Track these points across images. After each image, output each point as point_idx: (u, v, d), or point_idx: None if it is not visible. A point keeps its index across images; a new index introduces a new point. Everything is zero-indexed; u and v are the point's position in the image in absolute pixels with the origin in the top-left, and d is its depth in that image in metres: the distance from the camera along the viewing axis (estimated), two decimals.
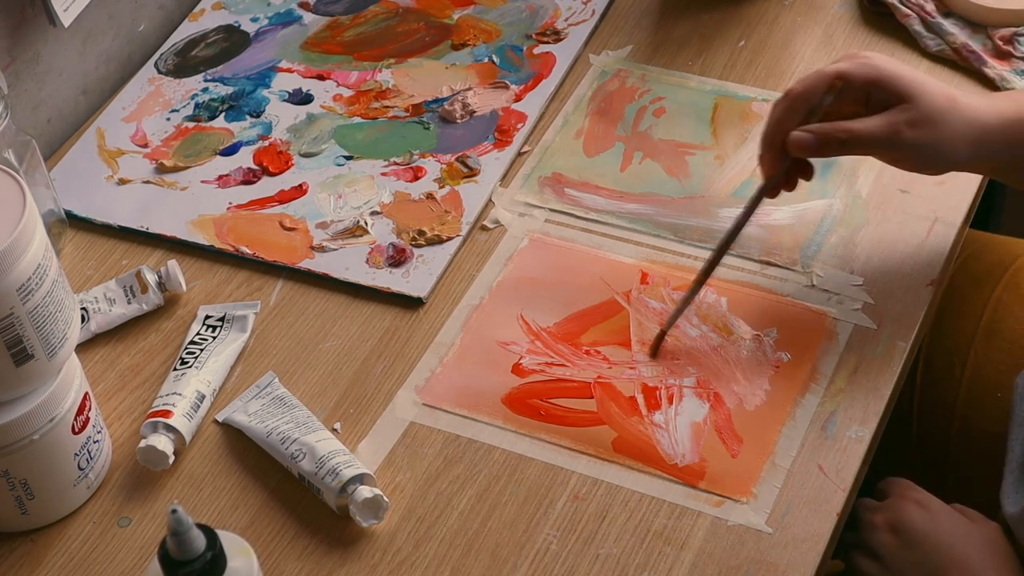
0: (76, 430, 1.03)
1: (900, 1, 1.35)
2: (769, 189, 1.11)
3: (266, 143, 1.30)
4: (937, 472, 1.28)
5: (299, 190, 1.26)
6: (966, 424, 1.26)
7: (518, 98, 1.32)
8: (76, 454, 1.03)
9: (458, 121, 1.31)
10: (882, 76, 1.08)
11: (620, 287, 1.16)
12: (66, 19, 1.28)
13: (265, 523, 1.04)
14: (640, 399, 1.09)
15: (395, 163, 1.27)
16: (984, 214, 1.81)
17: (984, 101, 1.11)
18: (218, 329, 1.14)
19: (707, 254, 1.18)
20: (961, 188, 1.22)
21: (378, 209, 1.24)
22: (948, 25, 1.32)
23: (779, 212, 1.21)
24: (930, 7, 1.34)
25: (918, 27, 1.33)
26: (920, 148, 1.08)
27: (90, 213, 1.25)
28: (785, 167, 1.10)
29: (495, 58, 1.35)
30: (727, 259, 1.17)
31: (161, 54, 1.40)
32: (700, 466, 1.04)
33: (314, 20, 1.42)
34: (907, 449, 1.29)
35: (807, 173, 1.12)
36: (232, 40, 1.41)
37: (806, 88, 1.09)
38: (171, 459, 1.06)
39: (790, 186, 1.12)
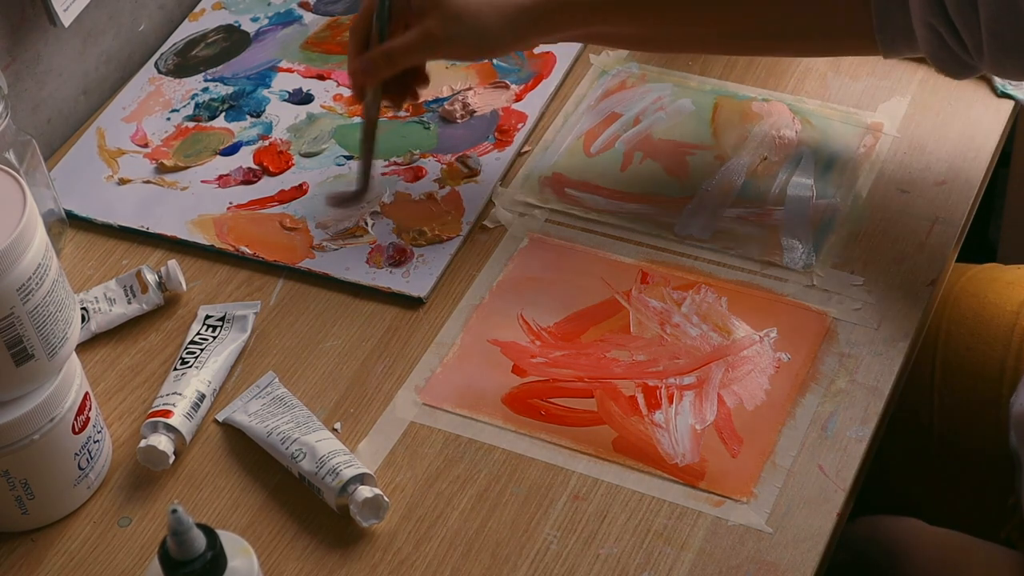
0: (76, 430, 1.03)
1: None
2: (376, 113, 1.22)
3: (266, 143, 1.30)
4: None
5: (299, 190, 1.26)
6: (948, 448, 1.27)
7: (518, 98, 1.32)
8: (76, 454, 1.03)
9: (458, 121, 1.31)
10: None
11: (620, 287, 1.16)
12: (66, 19, 1.28)
13: (265, 523, 1.04)
14: (640, 399, 1.09)
15: (395, 163, 1.27)
16: (984, 215, 1.81)
17: None
18: (218, 329, 1.14)
19: (707, 254, 1.18)
20: (961, 188, 1.22)
21: (378, 209, 1.24)
22: None
23: (779, 212, 1.21)
24: None
25: None
26: (459, 41, 1.17)
27: (90, 213, 1.25)
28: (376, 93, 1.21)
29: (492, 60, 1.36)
30: (727, 259, 1.18)
31: (161, 54, 1.40)
32: (700, 466, 1.04)
33: (314, 20, 1.42)
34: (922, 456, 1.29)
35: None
36: (232, 40, 1.41)
37: (359, 17, 1.19)
38: (171, 459, 1.06)
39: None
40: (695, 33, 1.18)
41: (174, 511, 0.82)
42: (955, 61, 1.09)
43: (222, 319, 1.15)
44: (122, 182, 1.28)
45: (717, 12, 1.15)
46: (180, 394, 1.09)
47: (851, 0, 1.10)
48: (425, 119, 1.31)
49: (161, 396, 1.09)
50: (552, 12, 1.16)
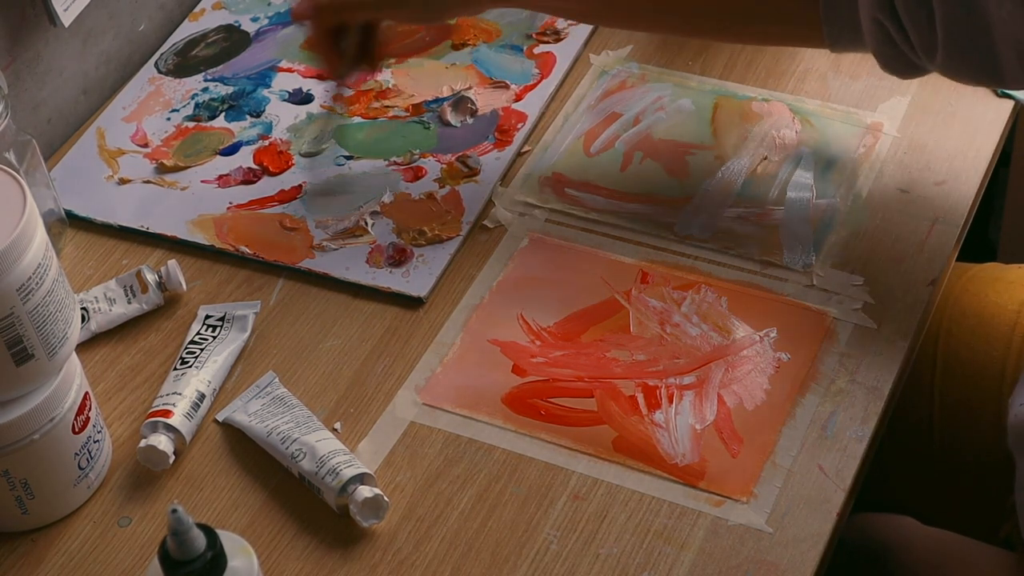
0: (76, 430, 1.03)
1: None
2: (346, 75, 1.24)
3: (266, 143, 1.30)
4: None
5: (299, 190, 1.26)
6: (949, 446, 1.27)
7: (518, 98, 1.32)
8: (76, 454, 1.03)
9: (458, 120, 1.31)
10: None
11: (620, 287, 1.16)
12: (66, 19, 1.28)
13: (265, 523, 1.04)
14: (640, 398, 1.09)
15: (395, 163, 1.28)
16: (984, 214, 1.81)
17: None
18: (218, 329, 1.14)
19: (707, 254, 1.18)
20: (961, 188, 1.22)
21: (378, 209, 1.24)
22: None
23: (779, 212, 1.21)
24: None
25: None
26: (406, 9, 1.20)
27: (90, 213, 1.25)
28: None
29: (479, 67, 1.35)
30: (727, 259, 1.18)
31: (161, 54, 1.40)
32: (700, 466, 1.04)
33: None
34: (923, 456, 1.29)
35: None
36: (232, 40, 1.41)
37: None
38: (171, 459, 1.06)
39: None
40: (643, 8, 1.18)
41: (174, 511, 0.82)
42: (901, 59, 1.08)
43: (222, 319, 1.15)
44: (122, 182, 1.28)
45: None
46: (180, 394, 1.09)
47: None
48: (425, 119, 1.31)
49: (161, 396, 1.09)
50: None
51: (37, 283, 0.96)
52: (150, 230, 1.24)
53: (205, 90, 1.36)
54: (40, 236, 0.96)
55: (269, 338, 1.16)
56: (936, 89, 1.29)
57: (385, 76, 1.35)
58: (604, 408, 1.08)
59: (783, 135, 1.27)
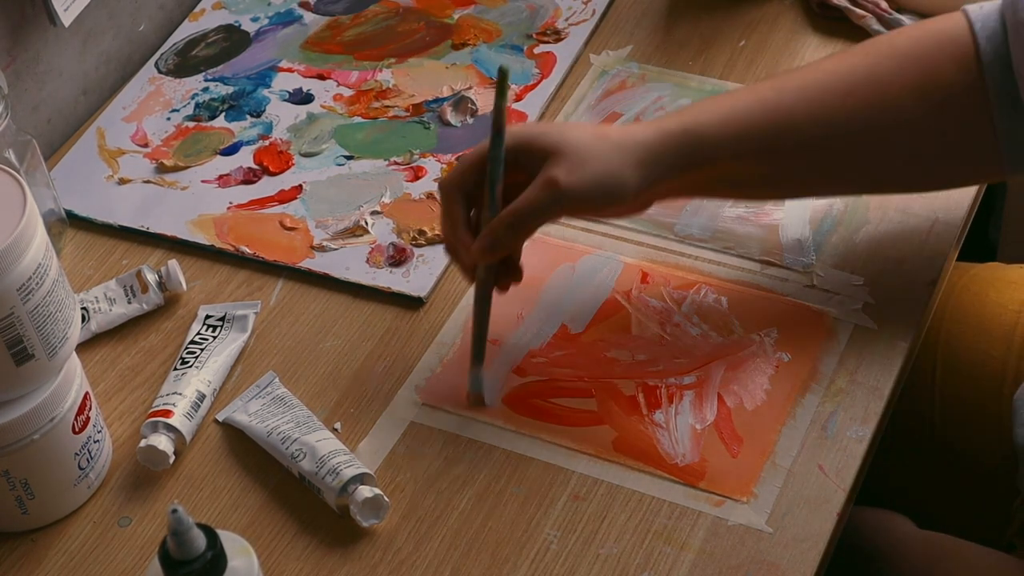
0: (76, 430, 1.03)
1: (853, 3, 1.34)
2: (487, 296, 1.07)
3: (266, 143, 1.30)
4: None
5: (299, 190, 1.26)
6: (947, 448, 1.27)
7: (518, 98, 1.32)
8: (76, 454, 1.03)
9: (458, 122, 1.31)
10: (521, 141, 1.05)
11: (620, 287, 1.16)
12: (66, 19, 1.28)
13: (265, 523, 1.04)
14: (640, 398, 1.09)
15: (395, 163, 1.28)
16: (984, 214, 1.81)
17: (643, 125, 1.07)
18: (218, 329, 1.14)
19: (707, 254, 1.18)
20: (961, 188, 1.22)
21: (378, 209, 1.24)
22: (907, 20, 1.32)
23: (779, 212, 1.21)
24: (884, 4, 1.34)
25: (877, 26, 1.33)
26: (585, 192, 1.02)
27: (90, 213, 1.25)
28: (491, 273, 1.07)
29: (479, 67, 1.35)
30: (727, 259, 1.17)
31: (161, 54, 1.40)
32: (700, 466, 1.04)
33: (314, 20, 1.42)
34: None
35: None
36: (232, 40, 1.41)
37: (453, 175, 1.06)
38: (171, 459, 1.06)
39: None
40: (834, 172, 1.09)
41: (174, 511, 0.82)
42: None
43: (222, 319, 1.15)
44: (122, 182, 1.28)
45: (867, 151, 1.07)
46: (180, 394, 1.09)
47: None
48: (425, 119, 1.31)
49: (161, 396, 1.09)
50: (675, 145, 1.05)
51: (37, 283, 0.96)
52: (150, 230, 1.24)
53: (205, 90, 1.36)
54: (40, 236, 0.96)
55: (269, 338, 1.16)
56: None
57: (385, 76, 1.35)
58: (604, 408, 1.08)
59: None
